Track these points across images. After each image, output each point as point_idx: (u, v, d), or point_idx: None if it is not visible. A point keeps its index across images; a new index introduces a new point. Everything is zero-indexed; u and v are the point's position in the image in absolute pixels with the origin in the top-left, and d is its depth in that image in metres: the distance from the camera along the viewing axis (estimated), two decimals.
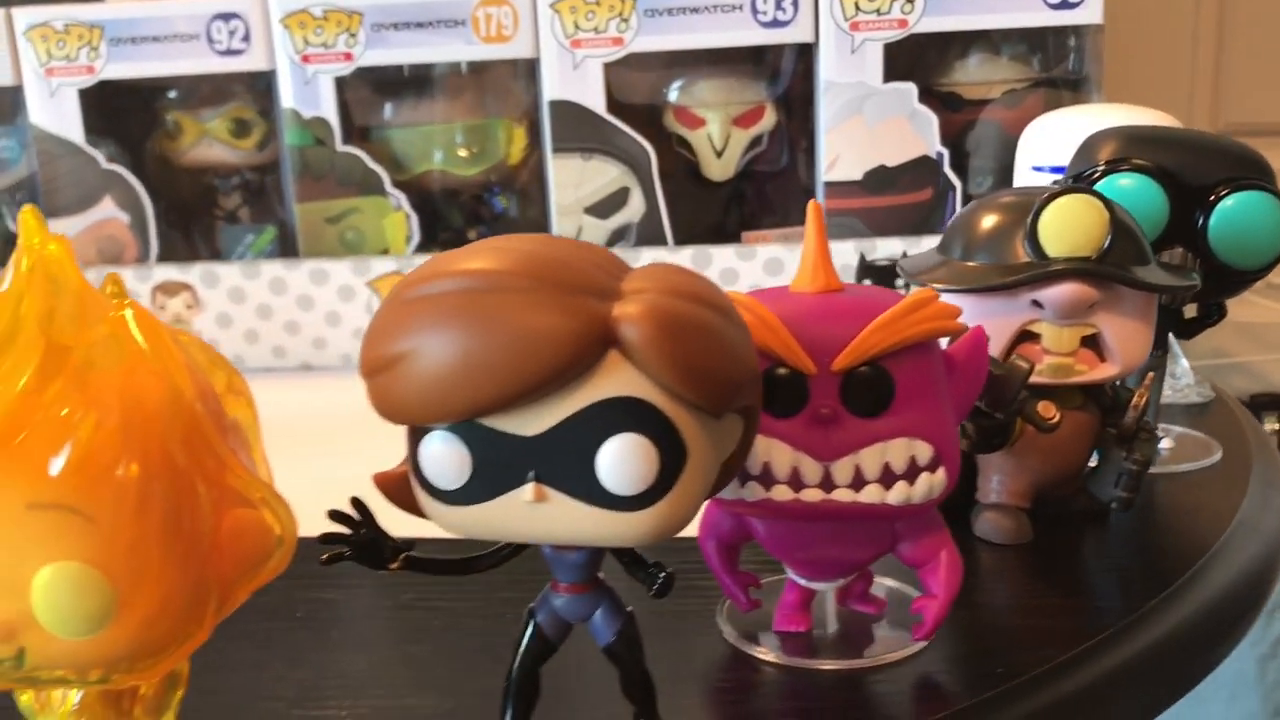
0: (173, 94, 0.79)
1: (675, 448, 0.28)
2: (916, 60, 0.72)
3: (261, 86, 0.78)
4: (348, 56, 0.74)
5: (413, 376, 0.28)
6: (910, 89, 0.71)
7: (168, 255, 0.78)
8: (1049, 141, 0.62)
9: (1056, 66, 0.74)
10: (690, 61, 0.75)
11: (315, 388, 0.75)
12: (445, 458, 0.29)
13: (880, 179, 0.72)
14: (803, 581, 0.39)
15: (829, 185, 0.73)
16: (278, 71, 0.75)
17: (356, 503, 0.31)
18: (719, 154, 0.75)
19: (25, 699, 0.32)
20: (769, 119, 0.75)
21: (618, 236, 0.75)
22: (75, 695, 0.31)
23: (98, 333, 0.29)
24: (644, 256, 0.73)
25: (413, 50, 0.73)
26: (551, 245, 0.30)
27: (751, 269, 0.73)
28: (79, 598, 0.27)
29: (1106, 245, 0.42)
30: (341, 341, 0.76)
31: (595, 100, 0.73)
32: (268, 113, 0.79)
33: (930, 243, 0.48)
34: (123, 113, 0.78)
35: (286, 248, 0.78)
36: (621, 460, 0.27)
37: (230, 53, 0.75)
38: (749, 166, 0.76)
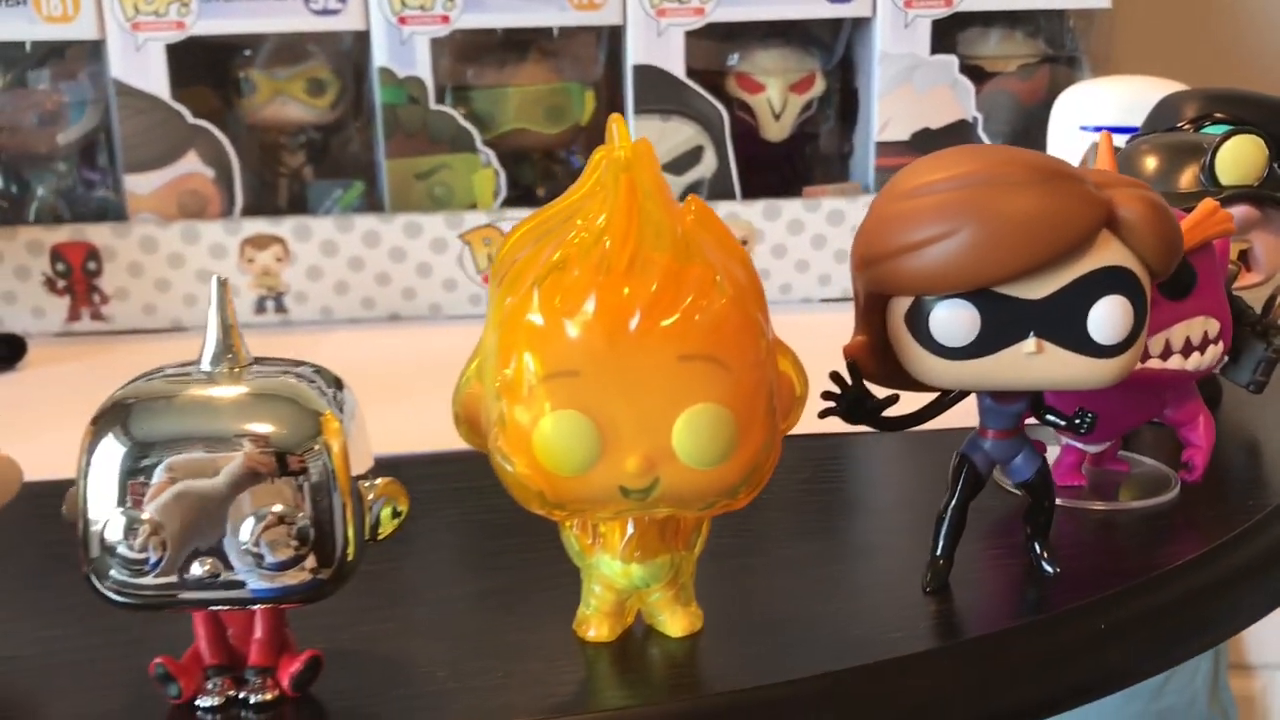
0: (248, 52, 0.80)
1: (1142, 306, 0.36)
2: (956, 35, 0.82)
3: (342, 46, 0.80)
4: (445, 19, 0.78)
5: (936, 258, 0.35)
6: (952, 60, 0.81)
7: (252, 210, 0.80)
8: (1090, 106, 0.74)
9: (1062, 45, 0.86)
10: (750, 33, 0.82)
11: (405, 337, 0.79)
12: (956, 321, 0.36)
13: (925, 140, 0.82)
14: (1080, 445, 0.48)
15: (880, 145, 0.82)
16: (372, 31, 0.78)
17: (850, 367, 0.38)
18: (777, 117, 0.83)
19: (574, 538, 0.37)
20: (819, 86, 0.84)
21: (690, 191, 0.82)
22: (629, 529, 0.36)
23: (690, 221, 0.34)
24: (720, 210, 0.80)
25: (507, 15, 0.78)
26: (1013, 149, 0.37)
27: (816, 220, 0.81)
28: (714, 434, 0.33)
29: (1266, 175, 0.52)
30: (431, 292, 0.80)
31: (676, 65, 0.80)
32: (342, 72, 0.82)
33: None
34: (206, 69, 0.79)
35: (373, 203, 0.81)
36: (1110, 316, 0.35)
37: (325, 12, 0.77)
38: (800, 128, 0.84)
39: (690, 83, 0.80)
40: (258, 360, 0.35)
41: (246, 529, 0.32)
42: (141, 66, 0.77)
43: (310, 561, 0.33)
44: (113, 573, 0.32)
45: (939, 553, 0.40)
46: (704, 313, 0.33)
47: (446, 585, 0.44)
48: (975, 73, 0.84)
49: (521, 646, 0.38)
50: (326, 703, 0.35)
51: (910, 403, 0.40)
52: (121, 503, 0.32)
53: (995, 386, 0.38)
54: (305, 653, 0.34)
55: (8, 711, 0.35)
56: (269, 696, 0.34)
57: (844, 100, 0.85)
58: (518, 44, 0.81)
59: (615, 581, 0.36)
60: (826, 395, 0.38)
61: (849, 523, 0.50)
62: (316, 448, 0.32)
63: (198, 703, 0.34)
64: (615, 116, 0.35)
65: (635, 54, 0.79)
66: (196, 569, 0.32)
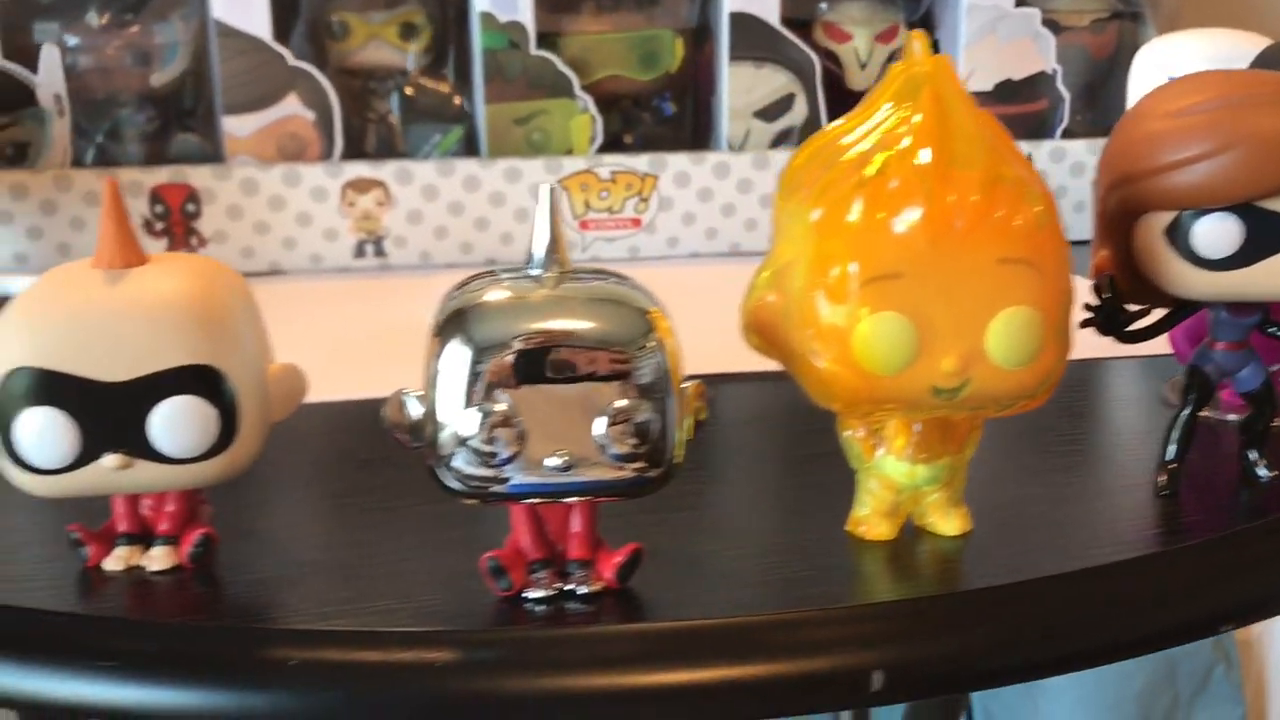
0: None
1: None
2: None
3: None
4: None
5: (1202, 174, 0.37)
6: (1035, 13, 0.83)
7: (350, 153, 0.80)
8: (1177, 58, 0.76)
9: (1130, 0, 0.88)
10: None
11: None
12: (1220, 233, 0.38)
13: (1007, 90, 0.84)
14: None
15: None
16: None
17: (1107, 282, 0.40)
18: (863, 66, 0.85)
19: (856, 440, 0.38)
20: (901, 37, 0.85)
21: (781, 138, 0.84)
22: (915, 429, 0.38)
23: (998, 130, 0.36)
24: None
25: None
26: (1260, 72, 0.39)
27: None
28: (1026, 336, 0.35)
29: None
30: (527, 236, 0.80)
31: (771, 13, 0.81)
32: (435, 17, 0.82)
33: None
34: (303, 11, 0.79)
35: (469, 147, 0.82)
36: None
37: None
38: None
39: (784, 30, 0.81)
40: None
41: (598, 424, 0.33)
42: (244, 7, 0.77)
43: (642, 458, 0.34)
44: (462, 466, 0.33)
45: (1171, 458, 0.42)
46: (1023, 217, 0.34)
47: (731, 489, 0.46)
48: (1051, 26, 0.86)
49: (805, 544, 0.40)
50: (641, 594, 0.36)
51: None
52: (473, 402, 0.33)
53: (1253, 297, 0.40)
54: (627, 546, 0.35)
55: (344, 608, 0.35)
56: (596, 588, 0.35)
57: None
58: None
59: (898, 481, 0.38)
60: (1086, 307, 0.40)
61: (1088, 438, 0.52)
62: (651, 345, 0.34)
63: (527, 594, 0.35)
64: (915, 33, 0.37)
65: (731, 2, 0.80)
66: (550, 461, 0.33)
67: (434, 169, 0.79)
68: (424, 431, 0.34)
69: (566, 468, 0.33)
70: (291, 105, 0.79)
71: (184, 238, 0.78)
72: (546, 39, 0.81)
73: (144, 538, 0.38)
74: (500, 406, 0.33)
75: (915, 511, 0.39)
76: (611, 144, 0.84)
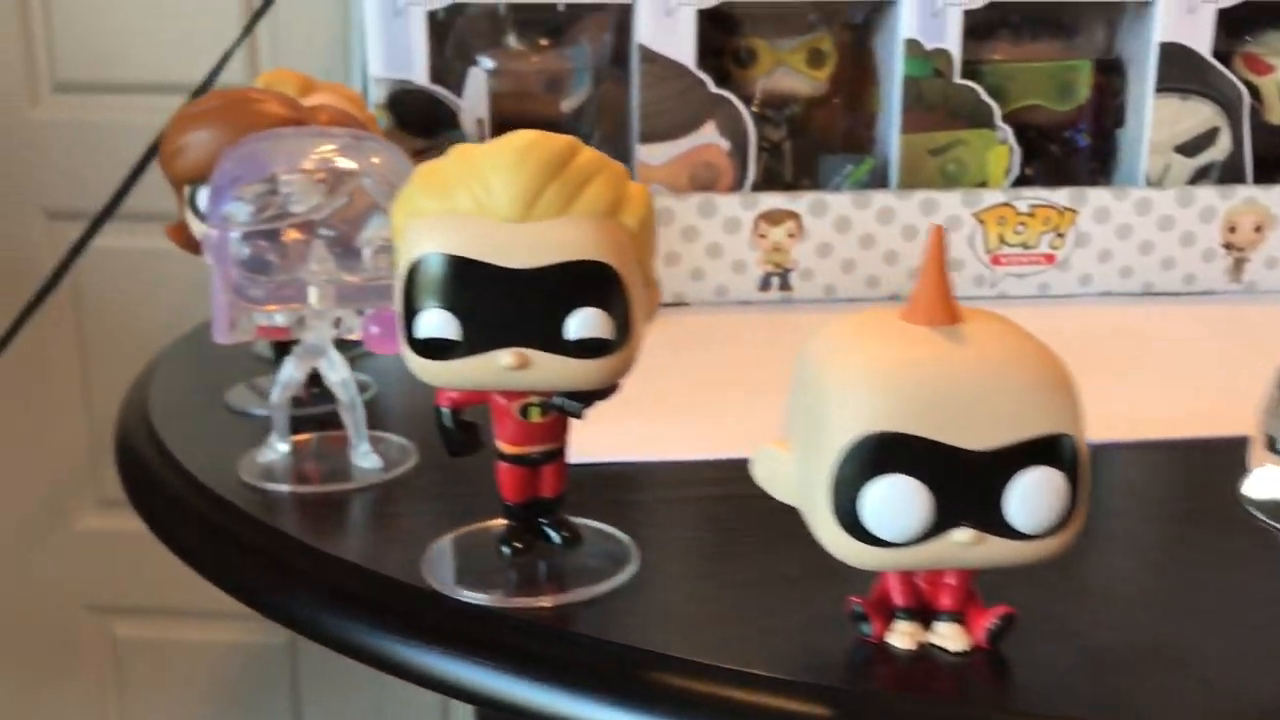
0: (749, 21, 0.78)
1: None
2: None
3: (850, 18, 0.78)
4: None
5: None
6: None
7: (763, 184, 0.77)
8: None
9: None
10: (1265, 11, 0.79)
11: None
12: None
13: None
14: None
15: None
16: (902, 1, 0.75)
17: None
18: None
19: None
20: None
21: (1200, 174, 0.79)
22: None
23: None
24: (1237, 195, 0.77)
25: None
26: None
27: None
28: None
29: None
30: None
31: (1204, 44, 0.77)
32: (842, 45, 0.79)
33: None
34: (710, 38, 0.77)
35: (877, 179, 0.79)
36: None
37: None
38: None
39: (1215, 62, 0.77)
40: None
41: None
42: (671, 32, 0.74)
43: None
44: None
45: None
46: None
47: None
48: None
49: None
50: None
51: None
52: None
53: None
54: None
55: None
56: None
57: None
58: (1041, 19, 0.78)
59: None
60: None
61: None
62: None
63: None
64: None
65: (1163, 32, 0.76)
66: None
67: (849, 201, 0.76)
68: None
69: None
70: (709, 133, 0.76)
71: None
72: (968, 66, 0.77)
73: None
74: None
75: None
76: (1020, 178, 0.80)
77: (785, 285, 0.77)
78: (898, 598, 0.34)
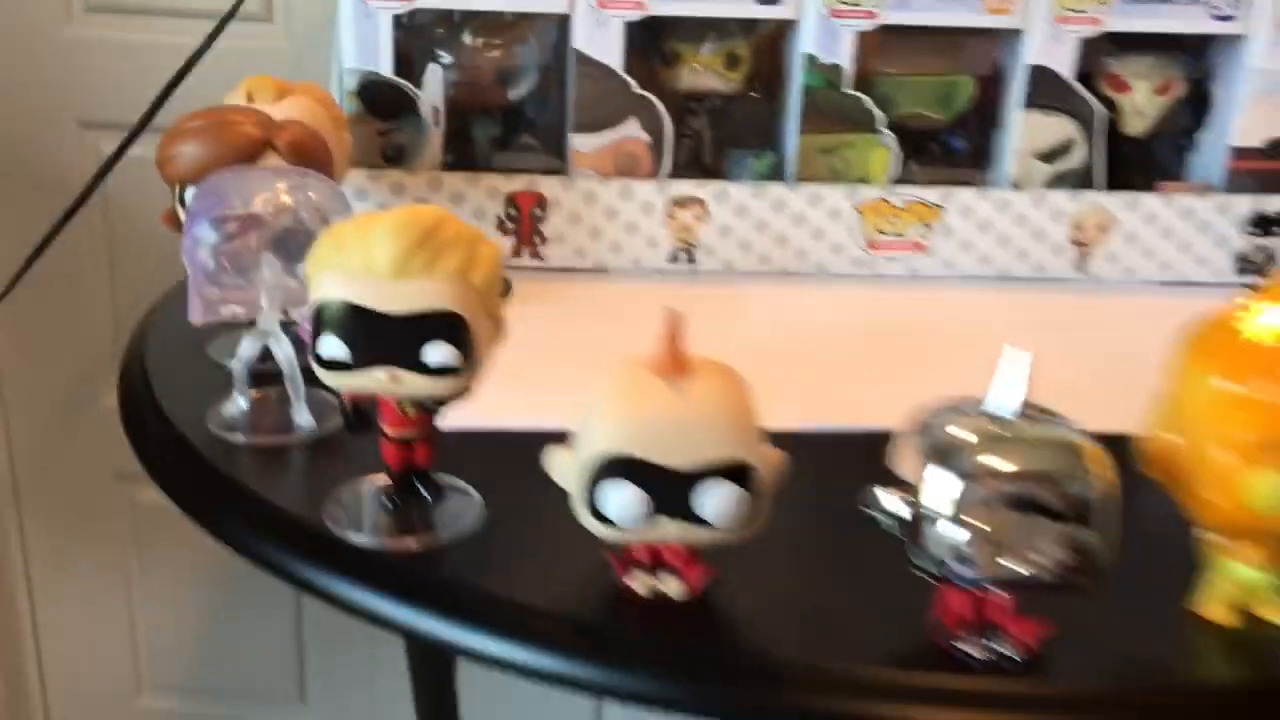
0: (675, 28, 0.90)
1: None
2: None
3: (761, 29, 0.90)
4: (871, 14, 0.87)
5: None
6: None
7: (676, 173, 0.91)
8: None
9: None
10: (1127, 38, 0.91)
11: (800, 294, 0.90)
12: None
13: (1278, 148, 0.91)
14: None
15: (1233, 149, 0.91)
16: (801, 22, 0.87)
17: None
18: (1141, 116, 0.92)
19: (1214, 546, 0.49)
20: (1177, 90, 0.92)
21: (1058, 180, 0.92)
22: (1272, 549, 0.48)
23: None
24: (1085, 200, 0.90)
25: (927, 14, 0.87)
26: None
27: (1170, 215, 0.91)
28: None
29: None
30: (819, 252, 0.91)
31: (1066, 68, 0.89)
32: (757, 51, 0.91)
33: None
34: (642, 42, 0.89)
35: (777, 171, 0.92)
36: None
37: (766, 1, 0.87)
38: (1156, 128, 0.93)
39: (1075, 84, 0.89)
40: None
41: (1045, 537, 0.44)
42: (603, 39, 0.87)
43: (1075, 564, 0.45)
44: (939, 559, 0.45)
45: None
46: None
47: None
48: None
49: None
50: (1055, 668, 0.48)
51: None
52: (957, 519, 0.44)
53: None
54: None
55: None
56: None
57: (1195, 105, 0.94)
58: (924, 37, 0.90)
59: (1248, 583, 0.49)
60: None
61: None
62: (1087, 477, 0.44)
63: (961, 647, 0.47)
64: None
65: (1031, 55, 0.88)
66: (1011, 567, 0.44)
67: (749, 191, 0.90)
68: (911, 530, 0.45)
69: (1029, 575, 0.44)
70: (631, 129, 0.89)
71: (529, 237, 0.90)
72: (864, 77, 0.89)
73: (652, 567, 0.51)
74: (979, 525, 0.44)
75: (1252, 602, 0.50)
76: (906, 175, 0.93)
77: (691, 259, 0.91)
78: (639, 555, 0.49)
